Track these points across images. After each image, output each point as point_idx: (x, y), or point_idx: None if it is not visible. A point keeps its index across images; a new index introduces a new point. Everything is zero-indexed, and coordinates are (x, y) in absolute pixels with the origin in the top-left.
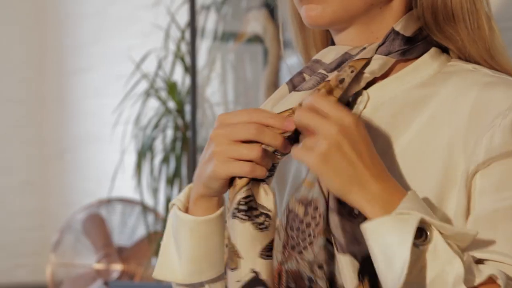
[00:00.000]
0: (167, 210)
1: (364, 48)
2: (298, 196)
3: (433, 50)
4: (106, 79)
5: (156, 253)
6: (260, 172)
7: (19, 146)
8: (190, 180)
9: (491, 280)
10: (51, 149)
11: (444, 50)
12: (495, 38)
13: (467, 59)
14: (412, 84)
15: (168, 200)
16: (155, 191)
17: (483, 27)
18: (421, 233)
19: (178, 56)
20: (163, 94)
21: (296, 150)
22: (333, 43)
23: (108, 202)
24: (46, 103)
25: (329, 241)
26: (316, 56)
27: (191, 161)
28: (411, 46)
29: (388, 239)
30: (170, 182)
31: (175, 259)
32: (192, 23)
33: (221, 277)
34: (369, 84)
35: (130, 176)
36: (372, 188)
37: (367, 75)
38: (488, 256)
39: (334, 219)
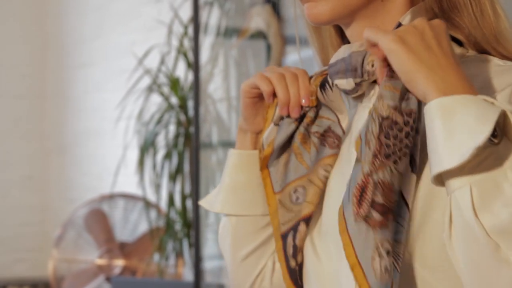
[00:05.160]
0: (169, 205)
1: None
2: (393, 104)
3: None
4: (108, 74)
5: (158, 248)
6: (265, 85)
7: (21, 141)
8: (192, 175)
9: None
10: (52, 144)
11: (460, 43)
12: (501, 22)
13: (478, 49)
14: None
15: (170, 196)
16: (157, 187)
17: (487, 12)
18: (493, 132)
19: (181, 51)
20: (166, 89)
21: (371, 30)
22: (348, 41)
23: (110, 197)
24: (48, 98)
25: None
26: (331, 61)
27: (194, 157)
28: None
29: (467, 114)
30: (172, 177)
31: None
32: (195, 19)
33: (244, 217)
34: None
35: (132, 171)
36: (444, 76)
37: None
38: None
39: None
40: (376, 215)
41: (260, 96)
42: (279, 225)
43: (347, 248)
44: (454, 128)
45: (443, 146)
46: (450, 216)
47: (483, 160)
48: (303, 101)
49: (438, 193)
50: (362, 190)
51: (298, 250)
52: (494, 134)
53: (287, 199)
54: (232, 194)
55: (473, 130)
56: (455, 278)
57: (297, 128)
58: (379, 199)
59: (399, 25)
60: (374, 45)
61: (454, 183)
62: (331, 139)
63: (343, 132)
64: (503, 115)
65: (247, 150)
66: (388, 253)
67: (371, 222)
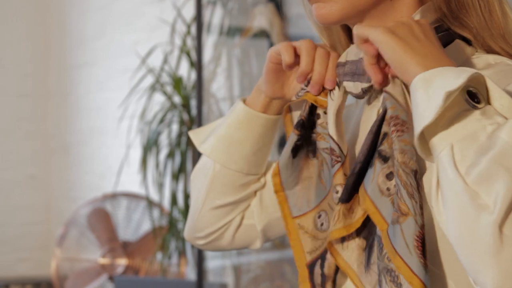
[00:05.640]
0: (172, 205)
1: None
2: (415, 158)
3: (456, 42)
4: (111, 73)
5: (161, 248)
6: (288, 57)
7: (24, 140)
8: None
9: None
10: (55, 143)
11: (469, 42)
12: (509, 22)
13: (486, 49)
14: None
15: (173, 195)
16: (160, 186)
17: (496, 13)
18: (474, 100)
19: (184, 50)
20: (169, 88)
21: (358, 26)
22: None
23: (113, 196)
24: (51, 97)
25: None
26: (339, 59)
27: (197, 156)
28: None
29: (442, 78)
30: (175, 177)
31: (209, 132)
32: (198, 18)
33: (228, 170)
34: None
35: (135, 170)
36: (436, 63)
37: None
38: None
39: None
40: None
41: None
42: (304, 253)
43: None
44: (432, 90)
45: (423, 107)
46: (437, 180)
47: (465, 123)
48: (328, 85)
49: None
50: (423, 242)
51: (327, 279)
52: (477, 101)
53: (310, 225)
54: (224, 145)
55: (447, 85)
56: None
57: (299, 139)
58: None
59: None
60: (365, 41)
61: (439, 146)
62: (333, 156)
63: (336, 142)
64: (483, 81)
65: (255, 111)
66: None
67: (431, 274)
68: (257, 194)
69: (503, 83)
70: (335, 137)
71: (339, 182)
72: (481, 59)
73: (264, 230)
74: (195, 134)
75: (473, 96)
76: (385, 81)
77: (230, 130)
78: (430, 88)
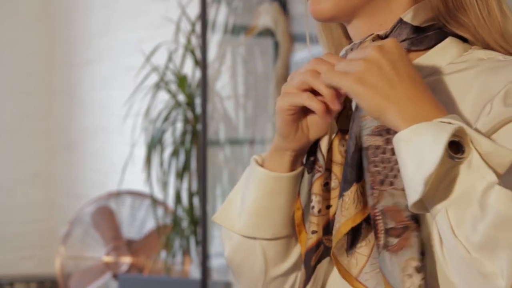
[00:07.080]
0: (176, 203)
1: (372, 35)
2: (369, 131)
3: (448, 39)
4: (115, 71)
5: (165, 246)
6: (316, 104)
7: (28, 138)
8: (199, 173)
9: None
10: (59, 141)
11: (465, 39)
12: (508, 22)
13: (485, 48)
14: (422, 75)
15: (177, 193)
16: (164, 184)
17: (494, 13)
18: (458, 149)
19: (188, 49)
20: (173, 87)
21: (329, 74)
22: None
23: (118, 194)
24: (55, 95)
25: None
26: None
27: (201, 154)
28: (420, 36)
29: (420, 141)
30: (179, 175)
31: (237, 209)
32: (203, 16)
33: (277, 240)
34: None
35: (139, 169)
36: (412, 107)
37: None
38: None
39: None
40: (392, 240)
41: (301, 109)
42: None
43: (384, 281)
44: (409, 159)
45: (406, 179)
46: (439, 236)
47: (454, 182)
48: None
49: None
50: (374, 223)
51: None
52: (461, 150)
53: None
54: (264, 218)
55: (424, 160)
56: None
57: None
58: (390, 224)
59: (400, 21)
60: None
61: (435, 208)
62: (316, 165)
63: (321, 153)
64: (464, 132)
65: (285, 173)
66: (417, 268)
67: (390, 249)
68: None
69: (491, 80)
70: (323, 148)
71: (316, 192)
72: (472, 55)
73: None
74: (221, 219)
75: (457, 145)
76: None
77: (264, 201)
78: (408, 153)
